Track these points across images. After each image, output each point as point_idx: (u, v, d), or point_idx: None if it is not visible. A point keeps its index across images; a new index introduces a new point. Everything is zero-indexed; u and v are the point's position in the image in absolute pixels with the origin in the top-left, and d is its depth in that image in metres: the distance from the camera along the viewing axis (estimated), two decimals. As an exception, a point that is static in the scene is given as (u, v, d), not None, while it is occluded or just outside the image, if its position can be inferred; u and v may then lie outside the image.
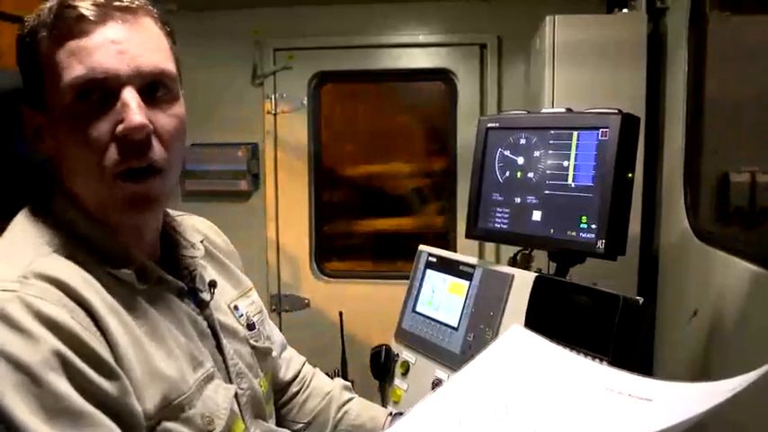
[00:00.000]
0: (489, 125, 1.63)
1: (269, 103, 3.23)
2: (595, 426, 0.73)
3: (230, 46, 3.14)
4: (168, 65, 0.95)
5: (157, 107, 0.93)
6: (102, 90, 0.88)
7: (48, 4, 0.91)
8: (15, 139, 1.04)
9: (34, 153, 0.99)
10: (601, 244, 1.39)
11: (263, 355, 1.19)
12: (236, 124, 3.21)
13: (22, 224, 0.94)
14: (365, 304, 2.95)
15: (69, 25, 0.88)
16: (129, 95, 0.89)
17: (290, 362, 1.40)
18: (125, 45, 0.89)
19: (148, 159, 0.91)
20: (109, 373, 0.83)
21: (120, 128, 0.88)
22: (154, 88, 0.92)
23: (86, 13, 0.87)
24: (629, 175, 1.42)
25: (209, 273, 1.15)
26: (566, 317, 1.36)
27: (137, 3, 0.93)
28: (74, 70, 0.87)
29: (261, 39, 3.16)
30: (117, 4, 0.90)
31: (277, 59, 3.21)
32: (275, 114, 3.23)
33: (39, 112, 0.94)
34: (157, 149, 0.92)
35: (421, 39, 3.14)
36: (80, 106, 0.89)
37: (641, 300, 1.30)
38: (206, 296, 1.09)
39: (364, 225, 3.58)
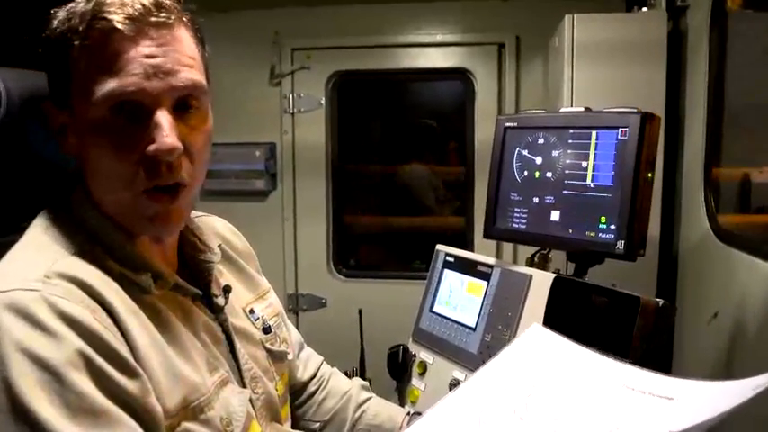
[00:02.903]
0: (507, 125, 1.62)
1: (286, 102, 3.24)
2: (617, 424, 0.73)
3: (248, 46, 3.15)
4: (201, 79, 0.93)
5: (188, 123, 0.92)
6: (135, 107, 0.88)
7: (79, 9, 0.89)
8: (33, 138, 1.05)
9: (53, 153, 1.00)
10: (620, 244, 1.38)
11: (278, 358, 1.18)
12: (253, 124, 3.23)
13: (43, 224, 0.95)
14: (382, 304, 2.94)
15: (102, 38, 0.86)
16: (162, 116, 0.88)
17: (308, 361, 1.41)
18: (159, 61, 0.88)
19: (176, 177, 0.91)
20: (130, 373, 0.83)
21: (151, 148, 0.88)
22: (186, 104, 0.92)
23: (120, 27, 0.86)
24: (649, 174, 1.40)
25: (226, 276, 1.15)
26: (584, 318, 1.36)
27: (173, 16, 0.90)
28: (106, 85, 0.86)
29: (279, 39, 3.17)
30: (153, 19, 0.88)
31: (295, 59, 3.22)
32: (293, 114, 3.24)
33: (64, 111, 0.93)
34: (186, 167, 0.92)
35: (439, 38, 3.13)
36: (111, 121, 0.88)
37: (661, 301, 1.28)
38: (220, 301, 1.09)
39: (381, 224, 3.58)
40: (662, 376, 0.79)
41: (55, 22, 0.91)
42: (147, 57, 0.87)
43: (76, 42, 0.88)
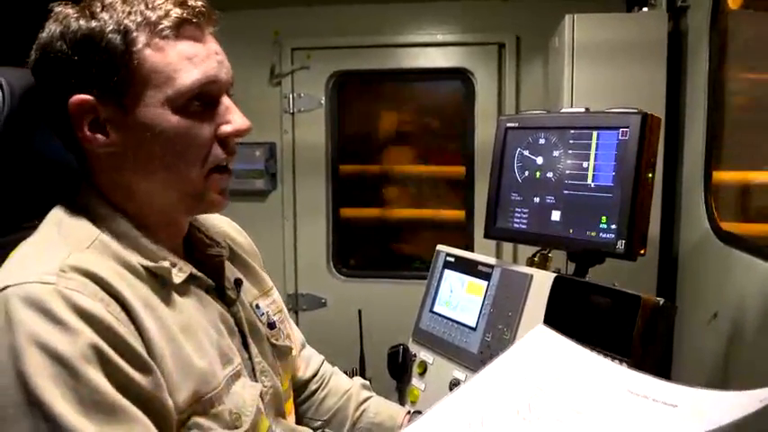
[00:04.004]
0: (508, 125, 1.62)
1: (287, 102, 3.24)
2: (619, 429, 0.73)
3: (248, 46, 3.14)
4: None
5: None
6: (208, 95, 0.96)
7: (139, 8, 0.92)
8: (37, 138, 1.05)
9: (56, 152, 1.01)
10: (621, 244, 1.38)
11: (283, 353, 1.20)
12: (253, 124, 3.20)
13: (57, 220, 0.95)
14: (382, 304, 2.95)
15: (181, 30, 0.93)
16: (229, 101, 1.00)
17: (310, 360, 1.41)
18: (221, 58, 0.99)
19: (235, 157, 1.02)
20: (143, 367, 0.84)
21: (229, 128, 0.99)
22: (228, 94, 1.02)
23: (195, 20, 0.94)
24: (650, 175, 1.40)
25: (233, 273, 1.16)
26: (585, 317, 1.36)
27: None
28: (191, 74, 0.93)
29: (279, 38, 3.18)
30: (213, 17, 0.99)
31: (295, 59, 3.22)
32: (293, 114, 3.25)
33: (109, 105, 0.93)
34: None
35: (439, 38, 3.13)
36: (188, 106, 0.94)
37: (662, 300, 1.29)
38: (233, 294, 1.10)
39: (381, 225, 3.57)
40: (666, 383, 0.79)
41: (102, 20, 0.91)
42: (216, 53, 0.98)
43: (146, 33, 0.91)
